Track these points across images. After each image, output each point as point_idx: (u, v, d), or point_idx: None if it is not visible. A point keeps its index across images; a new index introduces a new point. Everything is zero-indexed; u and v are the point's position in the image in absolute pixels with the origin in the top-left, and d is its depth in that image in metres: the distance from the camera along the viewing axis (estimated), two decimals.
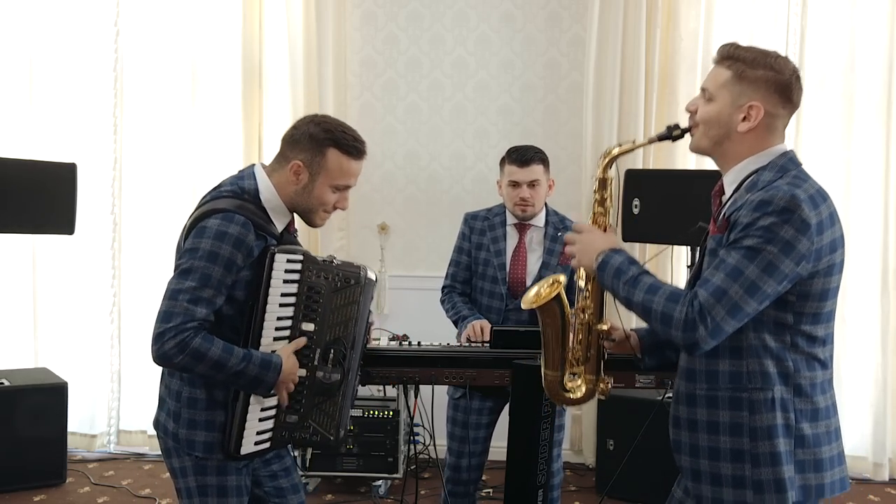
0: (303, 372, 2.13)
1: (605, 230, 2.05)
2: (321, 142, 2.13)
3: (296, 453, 3.96)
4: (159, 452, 4.70)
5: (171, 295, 2.00)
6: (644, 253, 4.54)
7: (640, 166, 4.42)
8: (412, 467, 4.20)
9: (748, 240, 1.74)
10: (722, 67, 1.88)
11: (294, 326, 2.11)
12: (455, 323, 3.23)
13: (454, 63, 4.82)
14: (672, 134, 1.98)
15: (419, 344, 2.91)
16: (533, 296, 2.18)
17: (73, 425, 4.49)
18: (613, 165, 2.07)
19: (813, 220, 1.75)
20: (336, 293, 2.14)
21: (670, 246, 3.99)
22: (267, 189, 2.15)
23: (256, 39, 4.70)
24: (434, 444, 4.30)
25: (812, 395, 1.83)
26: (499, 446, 3.10)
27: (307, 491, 4.15)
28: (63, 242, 4.53)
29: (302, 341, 2.11)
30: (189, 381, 2.14)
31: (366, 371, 2.71)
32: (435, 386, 2.90)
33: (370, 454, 4.12)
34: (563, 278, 2.20)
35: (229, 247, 2.01)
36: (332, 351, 2.15)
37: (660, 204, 3.71)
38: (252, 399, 2.08)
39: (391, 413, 4.14)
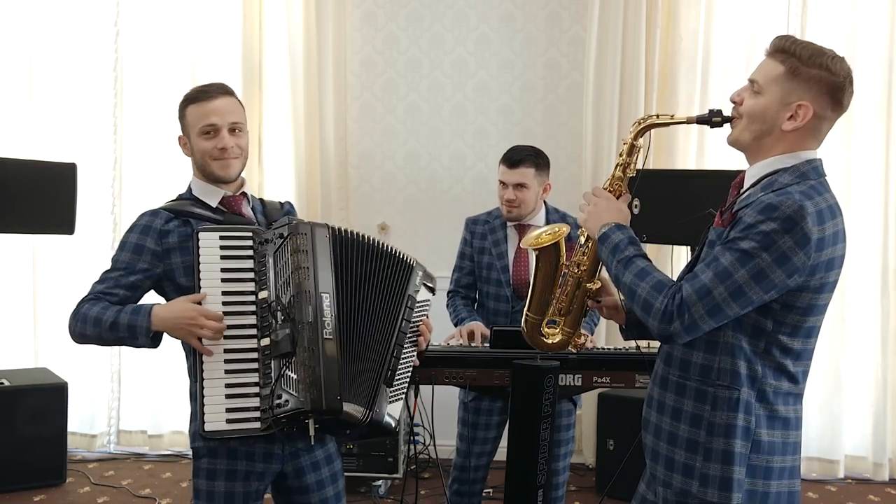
0: (266, 341, 2.03)
1: (618, 196, 2.04)
2: (181, 108, 2.26)
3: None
4: (159, 452, 4.77)
5: None
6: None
7: (640, 166, 4.41)
8: (412, 467, 4.20)
9: (745, 242, 1.71)
10: (774, 61, 1.81)
11: (257, 301, 2.07)
12: (456, 326, 3.22)
13: (454, 63, 4.82)
14: (712, 119, 1.92)
15: (412, 369, 2.90)
16: (534, 238, 2.21)
17: (73, 425, 4.50)
18: (646, 135, 2.07)
19: (814, 236, 1.71)
20: (277, 252, 2.09)
21: (670, 246, 3.99)
22: (193, 180, 2.30)
23: (256, 39, 4.70)
24: (434, 444, 4.30)
25: (774, 402, 1.82)
26: (499, 446, 3.11)
27: None
28: (63, 242, 4.53)
29: (202, 295, 2.04)
30: (190, 375, 2.18)
31: None
32: (435, 386, 2.90)
33: (370, 454, 4.12)
34: (566, 228, 2.22)
35: (136, 234, 2.19)
36: (279, 309, 2.02)
37: (660, 204, 3.71)
38: (206, 374, 2.02)
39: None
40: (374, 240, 2.23)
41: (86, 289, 2.22)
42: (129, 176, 4.83)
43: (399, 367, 2.21)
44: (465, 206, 3.69)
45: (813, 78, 1.77)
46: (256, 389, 2.03)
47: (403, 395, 2.26)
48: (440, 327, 3.41)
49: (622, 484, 3.83)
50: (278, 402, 1.97)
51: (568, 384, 2.78)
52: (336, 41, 4.74)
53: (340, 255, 2.13)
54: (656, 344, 2.26)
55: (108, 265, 2.21)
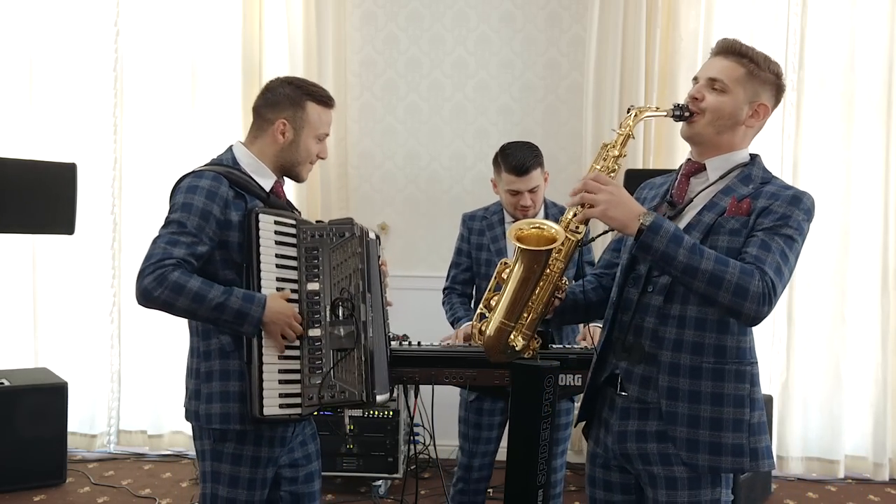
0: (317, 331, 2.15)
1: None
2: (299, 98, 2.27)
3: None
4: (159, 452, 4.77)
5: (152, 243, 2.08)
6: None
7: (640, 166, 4.42)
8: (412, 467, 4.20)
9: (787, 229, 1.88)
10: (731, 62, 1.96)
11: (300, 290, 2.17)
12: (452, 325, 3.23)
13: (454, 63, 4.82)
14: (675, 114, 2.00)
15: (419, 344, 2.91)
16: (521, 234, 2.07)
17: (73, 425, 4.50)
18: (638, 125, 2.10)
19: None
20: (334, 250, 2.18)
21: None
22: (245, 154, 2.26)
23: (256, 39, 4.70)
24: (434, 444, 4.30)
25: (753, 358, 1.99)
26: (499, 446, 3.10)
27: None
28: (63, 242, 4.53)
29: (287, 293, 2.13)
30: (203, 355, 2.18)
31: None
32: (435, 386, 2.90)
33: (370, 454, 4.12)
34: (561, 237, 2.03)
35: (202, 198, 2.11)
36: (341, 306, 2.15)
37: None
38: (266, 358, 2.09)
39: (391, 413, 4.14)
40: (373, 231, 2.35)
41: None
42: (129, 176, 4.83)
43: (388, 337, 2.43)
44: (465, 206, 3.68)
45: (768, 80, 1.97)
46: (299, 376, 2.14)
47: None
48: (433, 324, 3.43)
49: None
50: (332, 392, 2.13)
51: (568, 384, 2.78)
52: (336, 41, 4.74)
53: (370, 256, 2.26)
54: None
55: (144, 243, 2.11)
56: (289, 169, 2.30)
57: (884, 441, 4.53)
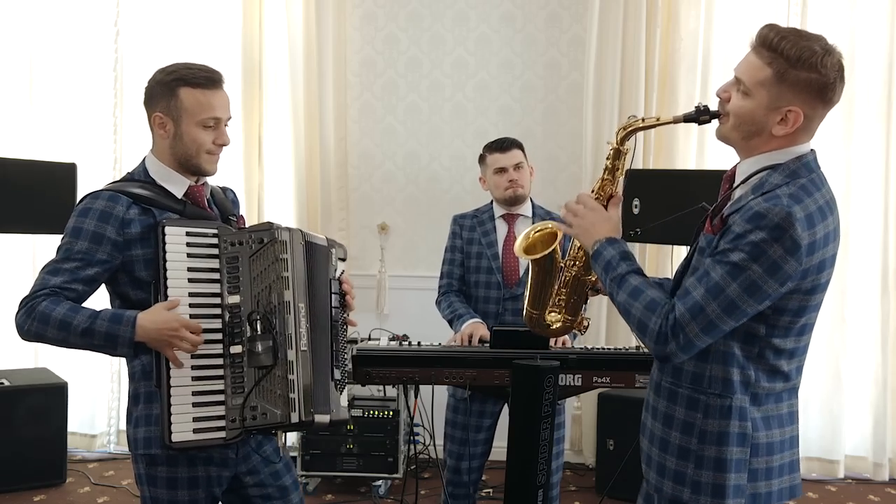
0: (238, 348, 1.98)
1: (609, 198, 2.03)
2: (170, 85, 2.09)
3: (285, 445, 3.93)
4: None
5: (38, 275, 1.99)
6: (644, 253, 4.54)
7: (640, 166, 4.42)
8: (412, 467, 4.20)
9: (735, 254, 1.67)
10: (760, 60, 1.72)
11: (222, 304, 2.01)
12: (450, 322, 3.24)
13: (454, 63, 4.82)
14: (699, 118, 1.88)
15: (419, 344, 2.91)
16: (525, 244, 2.32)
17: (73, 425, 4.49)
18: (632, 138, 2.03)
19: (804, 241, 1.66)
20: (254, 258, 2.00)
21: (671, 245, 3.98)
22: (152, 162, 2.12)
23: (256, 39, 4.70)
24: (434, 444, 4.30)
25: (768, 403, 1.80)
26: (499, 446, 3.10)
27: (307, 491, 4.15)
28: None
29: (176, 301, 1.95)
30: (131, 376, 2.08)
31: (366, 371, 2.70)
32: (435, 386, 2.90)
33: (370, 454, 4.12)
34: (558, 234, 2.28)
35: (94, 220, 1.99)
36: (258, 320, 1.97)
37: (660, 204, 3.71)
38: (174, 381, 1.94)
39: (391, 413, 4.14)
40: (320, 238, 2.19)
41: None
42: None
43: (342, 353, 2.22)
44: (465, 206, 3.68)
45: (802, 81, 1.70)
46: (222, 398, 1.99)
47: (349, 379, 2.28)
48: (433, 324, 3.43)
49: (622, 484, 3.83)
50: (253, 413, 1.96)
51: (568, 384, 2.78)
52: (336, 41, 4.74)
53: (309, 262, 2.09)
54: None
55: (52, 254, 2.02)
56: (186, 165, 2.10)
57: (884, 441, 4.53)
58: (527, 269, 2.61)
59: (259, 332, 1.97)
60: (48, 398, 4.19)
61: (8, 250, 4.67)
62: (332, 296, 2.19)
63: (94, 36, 4.76)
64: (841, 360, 4.55)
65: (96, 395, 4.82)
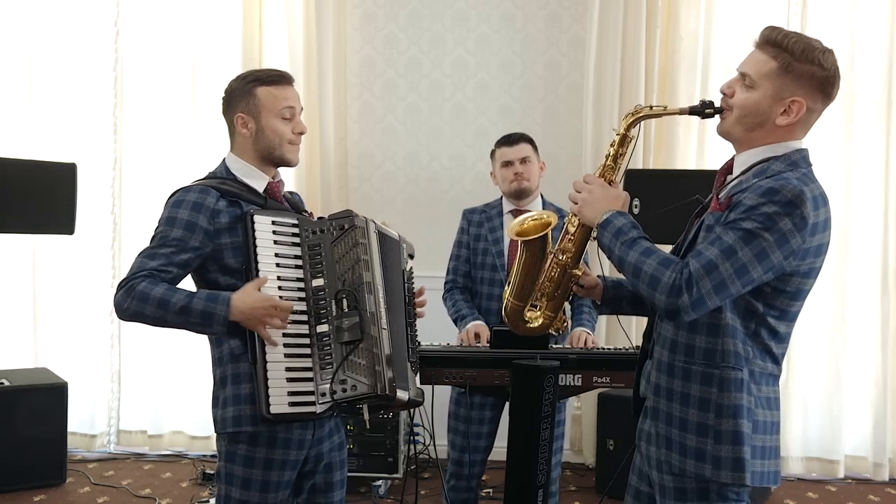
0: (325, 327, 2.13)
1: (609, 184, 2.05)
2: (247, 87, 2.24)
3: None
4: (159, 452, 4.77)
5: (135, 259, 2.12)
6: None
7: (640, 166, 4.42)
8: (412, 467, 4.20)
9: (748, 223, 1.74)
10: (766, 55, 1.83)
11: (307, 287, 2.16)
12: (455, 322, 3.24)
13: (454, 63, 4.82)
14: (703, 111, 1.95)
15: (419, 344, 2.91)
16: (520, 226, 2.31)
17: (73, 425, 4.49)
18: (637, 126, 2.07)
19: (811, 220, 1.75)
20: (335, 244, 2.17)
21: (670, 246, 3.97)
22: (234, 161, 2.27)
23: (256, 39, 4.70)
24: (434, 444, 4.30)
25: (761, 383, 1.86)
26: (499, 446, 3.10)
27: None
28: (63, 242, 4.53)
29: (263, 280, 2.08)
30: (217, 361, 2.19)
31: None
32: (435, 386, 2.90)
33: (370, 454, 4.12)
34: (554, 220, 2.30)
35: (187, 210, 2.13)
36: (344, 298, 2.12)
37: (660, 204, 3.71)
38: (270, 357, 2.08)
39: (391, 413, 4.14)
40: (392, 231, 2.38)
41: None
42: (129, 176, 4.83)
43: (414, 338, 2.39)
44: (465, 206, 3.68)
45: (805, 74, 1.80)
46: (311, 374, 2.12)
47: (418, 366, 2.43)
48: (433, 324, 3.42)
49: (622, 484, 3.82)
50: (343, 386, 2.08)
51: (568, 384, 2.78)
52: (336, 41, 4.74)
53: (382, 249, 2.25)
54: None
55: (144, 243, 2.16)
56: (271, 158, 2.27)
57: (884, 441, 4.53)
58: None
59: (345, 310, 2.11)
60: (48, 398, 4.19)
61: (8, 250, 4.67)
62: (405, 285, 2.38)
63: (94, 36, 4.77)
64: (841, 360, 4.55)
65: (96, 395, 4.81)
